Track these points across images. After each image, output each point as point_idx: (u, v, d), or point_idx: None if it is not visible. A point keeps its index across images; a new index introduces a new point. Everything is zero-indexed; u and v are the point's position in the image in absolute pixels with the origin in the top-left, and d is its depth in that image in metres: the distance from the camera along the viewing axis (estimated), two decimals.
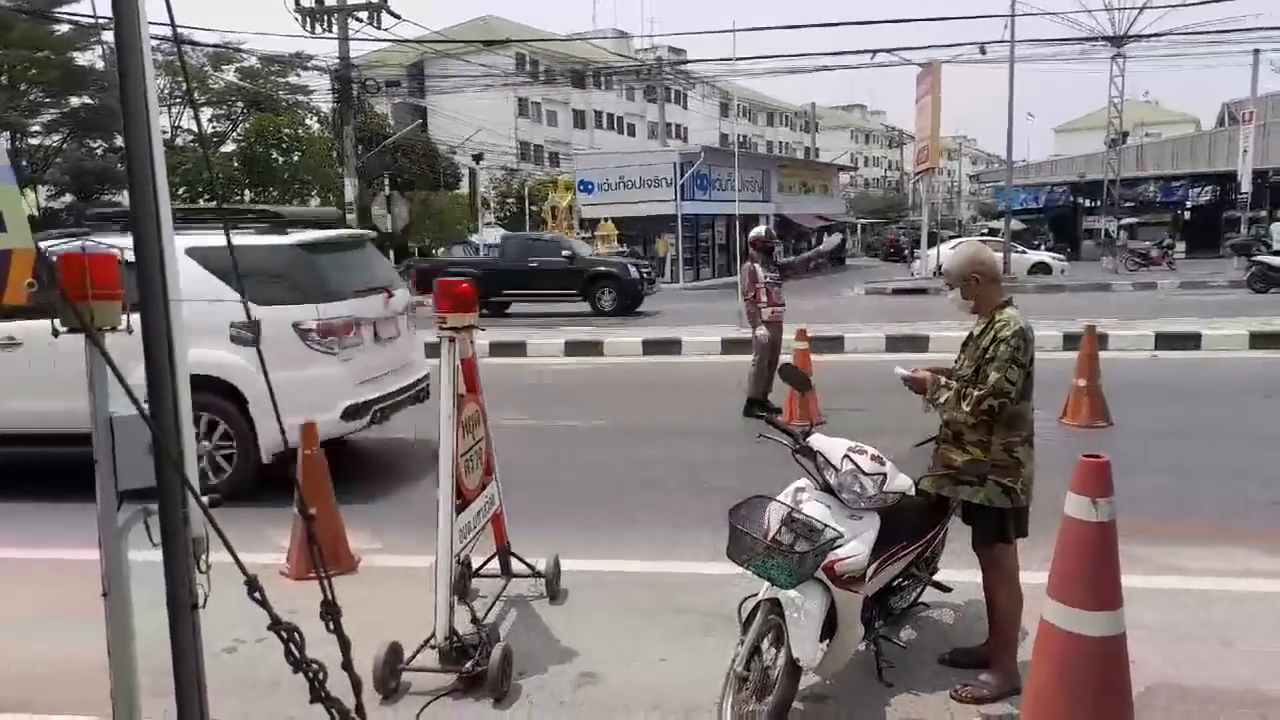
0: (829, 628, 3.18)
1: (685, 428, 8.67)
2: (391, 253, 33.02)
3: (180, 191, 39.80)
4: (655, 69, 44.37)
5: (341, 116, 27.06)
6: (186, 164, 38.56)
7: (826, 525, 3.12)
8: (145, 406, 1.74)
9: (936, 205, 64.66)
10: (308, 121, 42.70)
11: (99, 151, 35.50)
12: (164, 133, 34.50)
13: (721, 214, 33.63)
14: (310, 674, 1.71)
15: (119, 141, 36.81)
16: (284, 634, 1.65)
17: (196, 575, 1.83)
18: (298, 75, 39.77)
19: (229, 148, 41.87)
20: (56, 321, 1.89)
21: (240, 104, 40.89)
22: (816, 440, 3.38)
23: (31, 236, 1.69)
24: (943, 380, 3.45)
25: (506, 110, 53.18)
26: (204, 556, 1.85)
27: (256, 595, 1.63)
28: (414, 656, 3.73)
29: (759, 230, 9.20)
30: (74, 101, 33.81)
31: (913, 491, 3.40)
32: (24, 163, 33.53)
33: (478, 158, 34.32)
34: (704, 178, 34.32)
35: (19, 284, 1.69)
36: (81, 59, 33.78)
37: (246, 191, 41.52)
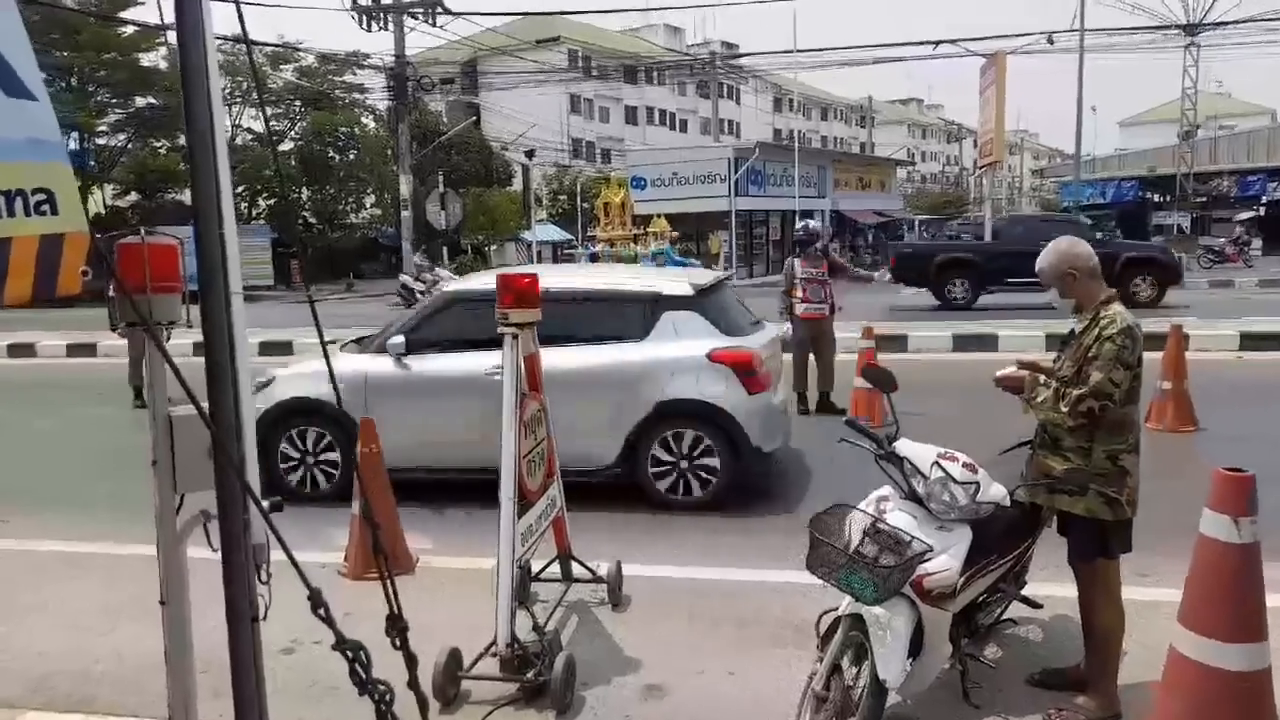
0: (914, 645, 2.98)
1: None
2: (445, 249, 33.33)
3: (240, 189, 40.75)
4: (708, 63, 44.02)
5: (396, 114, 27.35)
6: (246, 162, 39.39)
7: (914, 537, 2.92)
8: (188, 410, 1.62)
9: (999, 201, 63.25)
10: (364, 120, 43.32)
11: (163, 151, 36.40)
12: (225, 131, 35.43)
13: (776, 210, 33.24)
14: (376, 696, 1.57)
15: (182, 141, 37.76)
16: (349, 653, 1.51)
17: (258, 585, 1.71)
18: (354, 74, 40.35)
19: (287, 146, 42.66)
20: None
21: (298, 103, 41.60)
22: (903, 446, 3.17)
23: (86, 219, 1.59)
24: (1041, 379, 3.22)
25: (559, 107, 53.30)
26: (265, 565, 1.73)
27: (321, 612, 1.50)
28: (475, 664, 3.62)
29: (800, 227, 9.21)
30: (139, 102, 34.72)
31: (1008, 502, 3.17)
32: (91, 162, 34.57)
33: (530, 154, 34.35)
34: (758, 173, 33.93)
35: (73, 270, 1.59)
36: (146, 60, 34.68)
37: (304, 189, 42.29)
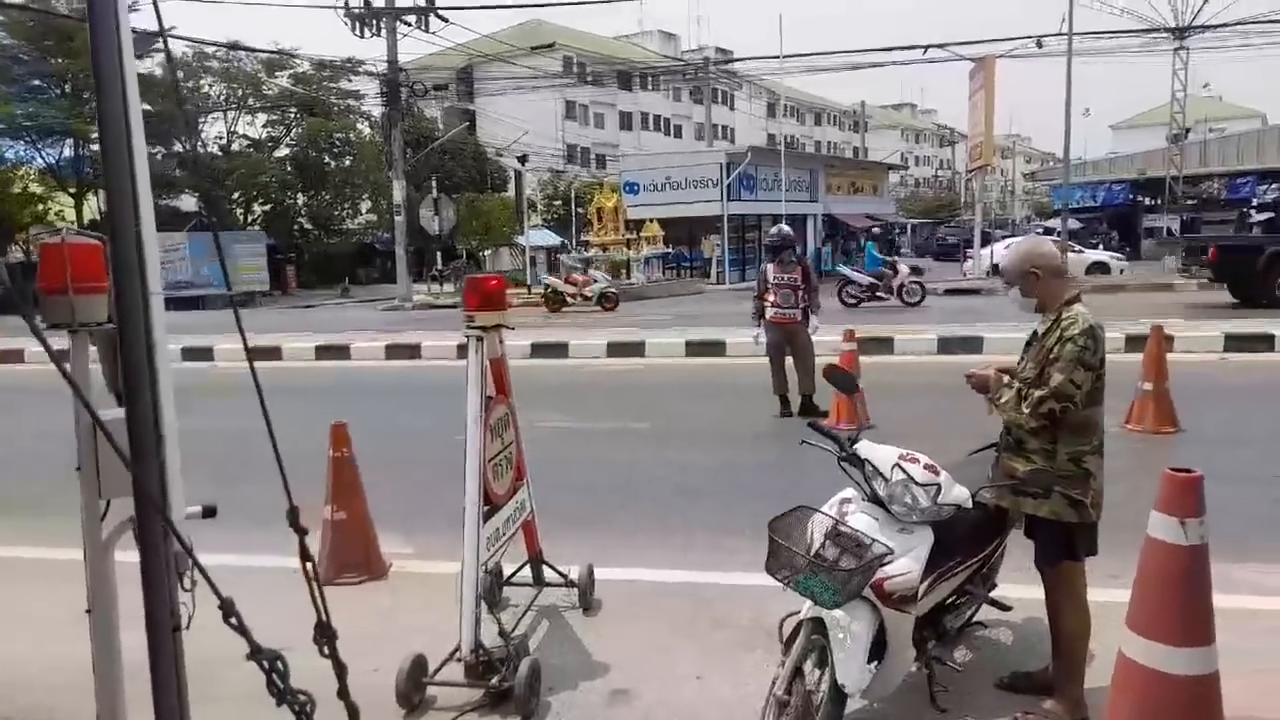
0: (877, 649, 2.95)
1: (723, 431, 8.45)
2: (439, 255, 33.31)
3: (236, 195, 40.72)
4: (701, 69, 44.08)
5: (389, 120, 27.32)
6: (242, 169, 39.37)
7: (874, 540, 2.89)
8: (119, 412, 1.59)
9: (990, 204, 63.32)
10: (359, 126, 43.33)
11: (157, 156, 36.36)
12: (219, 138, 35.21)
13: (768, 214, 33.22)
14: (296, 706, 1.54)
15: (176, 147, 37.76)
16: (265, 663, 1.48)
17: (179, 594, 1.68)
18: (349, 80, 40.38)
19: (282, 152, 42.65)
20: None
21: (294, 109, 41.60)
22: (864, 447, 3.14)
23: None
24: (1005, 379, 3.20)
25: (554, 113, 53.33)
26: (188, 573, 1.70)
27: (232, 621, 1.47)
28: (439, 669, 3.58)
29: (772, 232, 9.34)
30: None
31: (970, 504, 3.14)
32: (87, 169, 34.54)
33: (523, 159, 34.36)
34: (750, 178, 33.96)
35: None
36: (141, 67, 34.66)
37: (299, 195, 42.29)
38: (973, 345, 12.12)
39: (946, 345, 12.50)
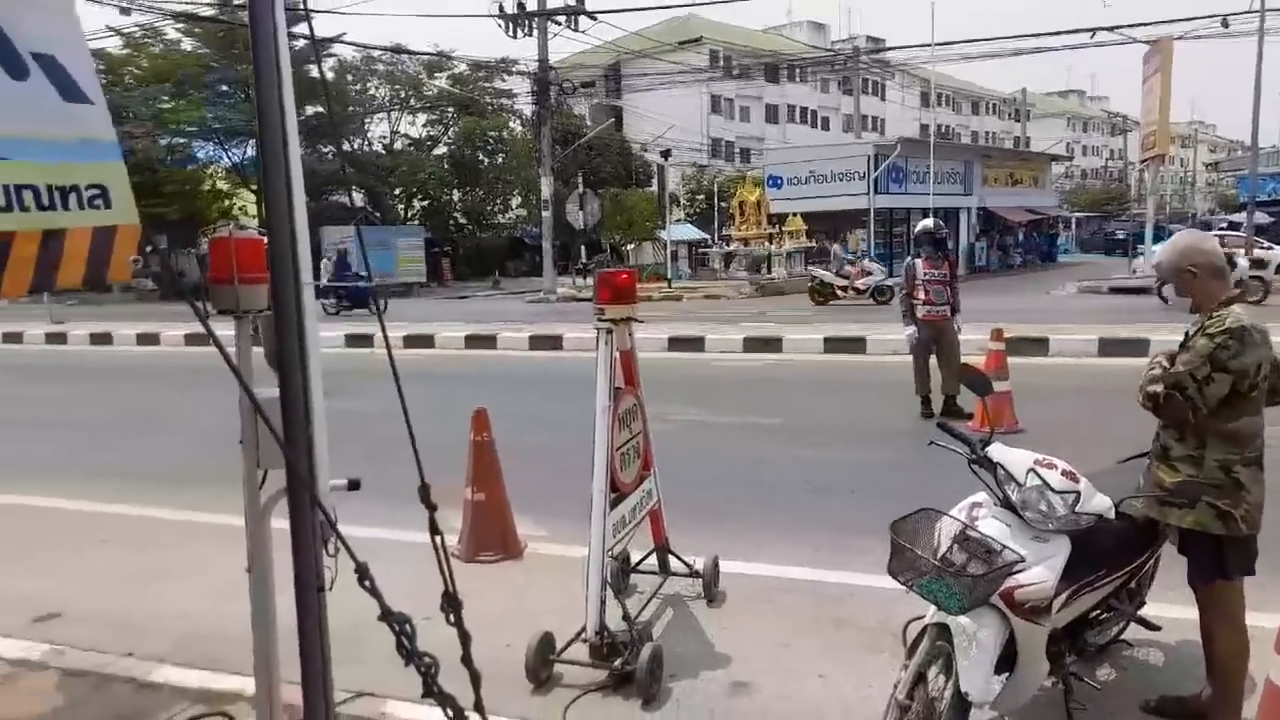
0: (1007, 660, 2.85)
1: (859, 430, 8.27)
2: (583, 249, 34.07)
3: (397, 192, 43.00)
4: (851, 59, 43.01)
5: (539, 118, 28.13)
6: (403, 166, 41.53)
7: (1005, 546, 2.79)
8: (274, 392, 1.76)
9: (1166, 197, 58.78)
10: (511, 124, 44.85)
11: (329, 156, 38.87)
12: (383, 137, 37.02)
13: (918, 208, 32.11)
14: (422, 668, 1.66)
15: (346, 146, 40.26)
16: (395, 625, 1.61)
17: (324, 558, 1.84)
18: (502, 80, 41.84)
19: (440, 150, 44.69)
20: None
21: (451, 109, 43.49)
22: (996, 450, 3.03)
23: (137, 213, 1.75)
24: (1161, 359, 3.04)
25: (699, 107, 53.40)
26: (331, 540, 1.86)
27: (366, 585, 1.60)
28: (565, 648, 3.72)
29: (924, 224, 8.86)
30: (307, 111, 37.21)
31: (1113, 514, 2.98)
32: None
33: (666, 155, 34.60)
34: (899, 170, 32.91)
35: (122, 260, 1.75)
36: (315, 71, 37.10)
37: (455, 191, 44.22)
38: (1136, 348, 11.34)
39: (1107, 347, 11.76)
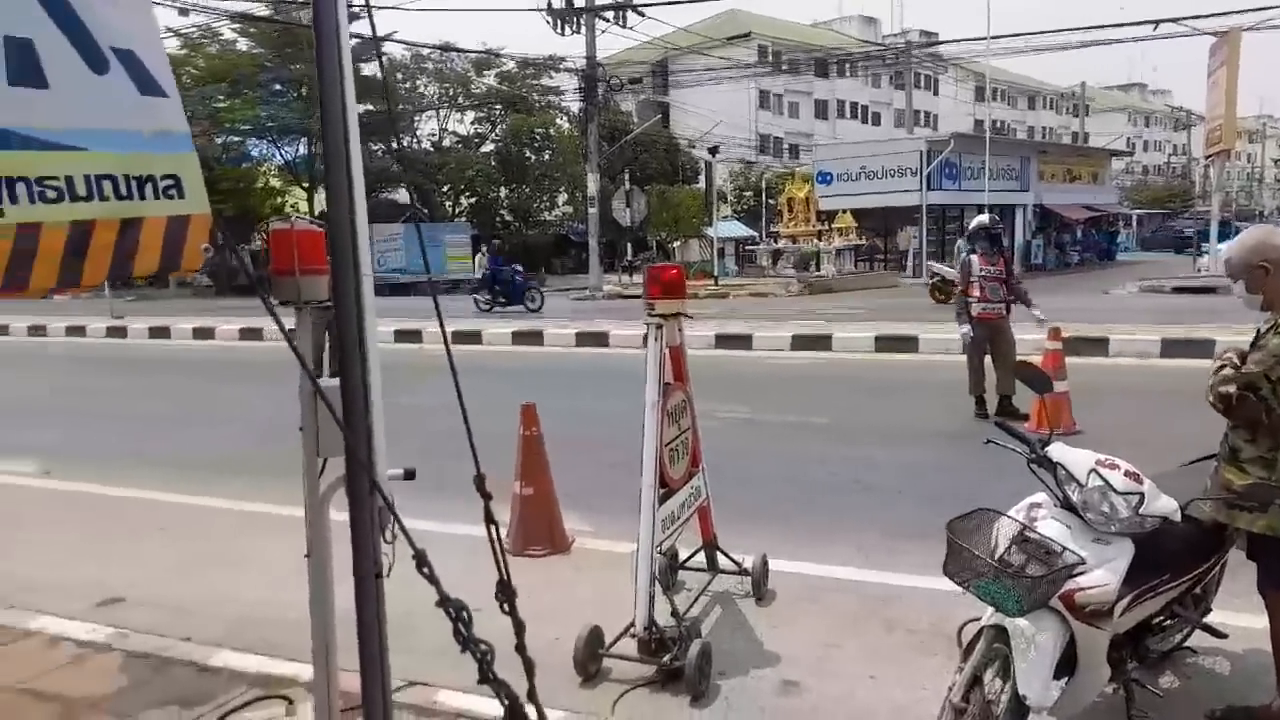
0: (1066, 664, 2.78)
1: (910, 430, 8.15)
2: (629, 245, 34.10)
3: (445, 189, 43.49)
4: (903, 53, 42.42)
5: (587, 114, 28.21)
6: (451, 163, 42.00)
7: (1065, 548, 2.72)
8: (335, 381, 1.78)
9: (1232, 193, 57.00)
10: (558, 121, 45.08)
11: (379, 153, 39.46)
12: (431, 135, 37.46)
13: (971, 204, 31.57)
14: (478, 654, 1.67)
15: (394, 145, 40.81)
16: (451, 611, 1.62)
17: (382, 545, 1.86)
18: (550, 77, 42.06)
19: (488, 147, 45.10)
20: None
21: (499, 106, 43.85)
22: (1057, 450, 2.95)
23: (208, 203, 1.78)
24: (1229, 355, 2.94)
25: (747, 103, 53.10)
26: (390, 527, 1.87)
27: (424, 571, 1.61)
28: (614, 643, 3.72)
29: (980, 219, 8.62)
30: (359, 109, 37.86)
31: (1179, 517, 2.89)
32: (318, 165, 38.04)
33: (713, 150, 34.46)
34: (953, 166, 32.35)
35: (195, 248, 1.79)
36: (367, 70, 37.70)
37: (502, 188, 44.60)
38: (1201, 349, 11.00)
39: (1171, 348, 11.43)
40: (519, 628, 1.89)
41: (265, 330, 16.64)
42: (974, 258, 8.30)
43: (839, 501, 6.05)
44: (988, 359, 8.29)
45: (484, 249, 24.81)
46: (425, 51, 40.12)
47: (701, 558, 4.56)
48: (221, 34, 35.35)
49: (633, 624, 3.68)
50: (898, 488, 6.32)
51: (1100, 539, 2.78)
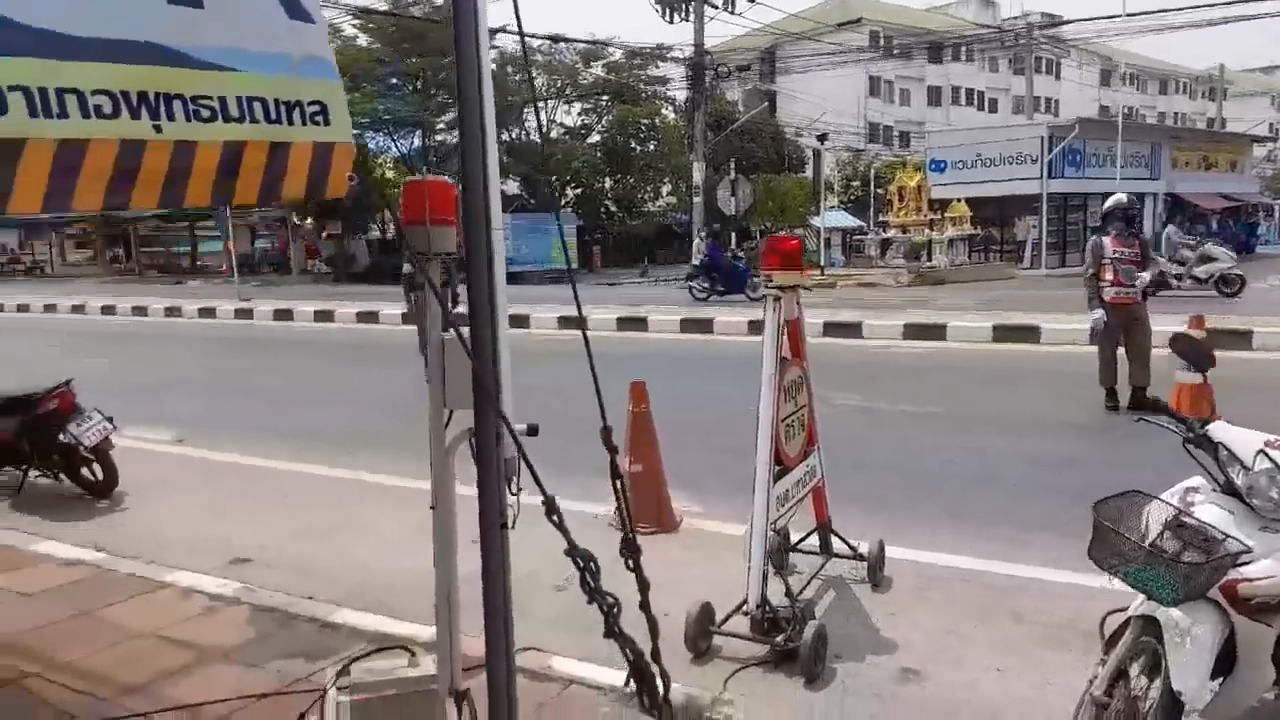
0: (1223, 661, 2.56)
1: (1035, 421, 7.76)
2: (733, 235, 33.81)
3: (552, 180, 44.06)
4: (1024, 35, 40.61)
5: (693, 102, 28.07)
6: (557, 155, 42.52)
7: (1228, 535, 2.50)
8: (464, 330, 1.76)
9: None
10: (663, 111, 45.04)
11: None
12: (540, 126, 38.04)
13: (1096, 192, 30.01)
14: (604, 607, 1.62)
15: (505, 136, 41.58)
16: (580, 560, 1.58)
17: (508, 496, 1.84)
18: (656, 67, 42.07)
19: (593, 139, 45.47)
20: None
21: (605, 97, 44.12)
22: (1219, 430, 2.71)
23: (351, 132, 1.78)
24: None
25: (856, 91, 51.88)
26: (515, 478, 1.85)
27: (555, 518, 1.57)
28: (726, 620, 3.65)
29: (1118, 198, 8.09)
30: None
31: None
32: (431, 157, 39.13)
33: (822, 138, 33.77)
34: (1076, 152, 30.80)
35: (340, 176, 1.79)
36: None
37: (607, 179, 44.91)
38: None
39: None
40: (643, 585, 1.84)
41: (381, 314, 17.25)
42: (1106, 239, 7.80)
43: (959, 491, 5.80)
44: (1121, 350, 7.81)
45: (702, 234, 23.95)
46: (535, 44, 40.70)
47: (814, 541, 4.43)
48: (343, 30, 36.73)
49: (744, 602, 3.59)
50: (1018, 480, 6.03)
51: (1268, 527, 2.55)
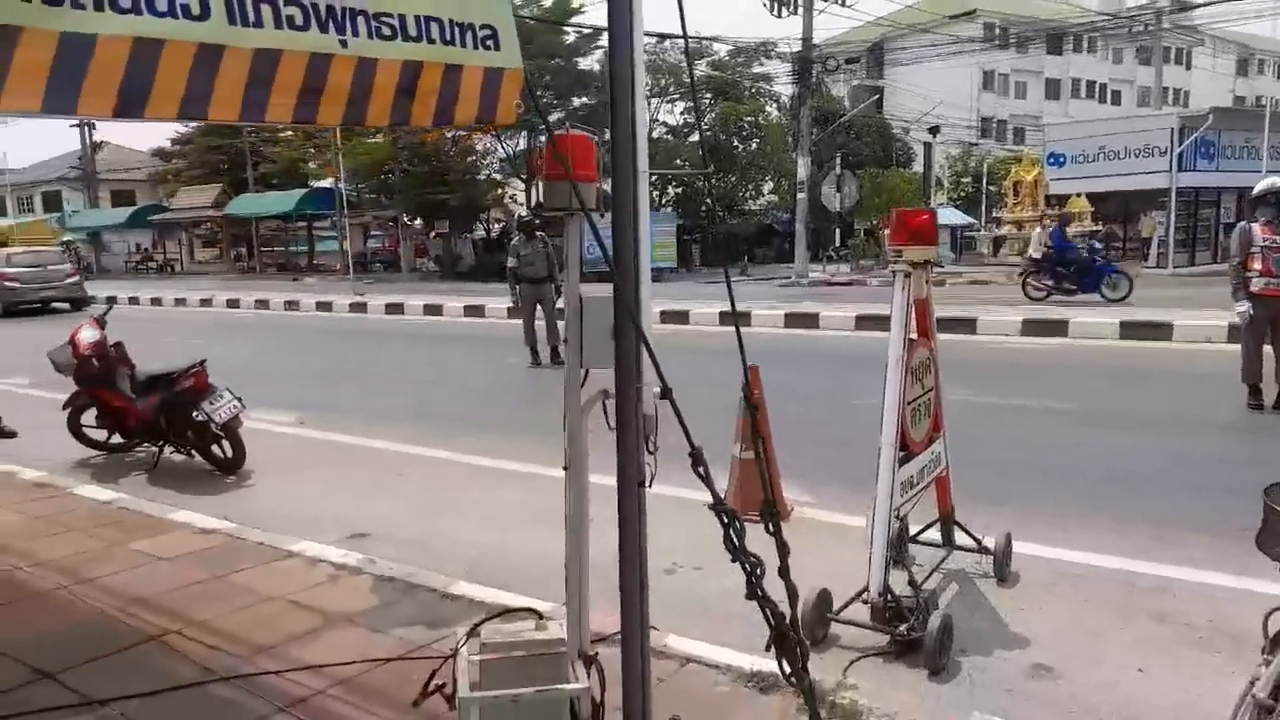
0: None
1: (1171, 418, 7.31)
2: (838, 232, 33.22)
3: (652, 179, 44.23)
4: (1152, 23, 38.52)
5: (799, 96, 27.69)
6: (659, 154, 42.63)
7: None
8: (607, 287, 1.75)
9: None
10: (767, 109, 44.60)
11: (595, 142, 40.63)
12: (644, 125, 38.42)
13: (1231, 186, 28.22)
14: (747, 566, 1.58)
15: (606, 136, 41.92)
16: (724, 516, 1.54)
17: (645, 455, 1.81)
18: (761, 63, 41.69)
19: (696, 137, 45.36)
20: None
21: (709, 95, 43.97)
22: None
23: (520, 58, 1.78)
24: None
25: (968, 85, 50.22)
26: (653, 436, 1.83)
27: (699, 470, 1.54)
28: (844, 607, 3.55)
29: (1269, 182, 7.43)
30: (575, 101, 39.17)
31: None
32: (537, 159, 39.80)
33: (934, 130, 32.79)
34: (1210, 145, 28.97)
35: (509, 103, 1.79)
36: (584, 64, 39.01)
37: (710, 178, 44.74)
38: None
39: None
40: (783, 550, 1.78)
41: (486, 308, 17.64)
42: (1255, 226, 7.23)
43: (1092, 487, 5.51)
44: (1268, 347, 7.27)
45: (1044, 224, 21.05)
46: (648, 42, 40.94)
47: (934, 533, 4.27)
48: None
49: (864, 590, 3.49)
50: (1162, 475, 5.69)
51: None
